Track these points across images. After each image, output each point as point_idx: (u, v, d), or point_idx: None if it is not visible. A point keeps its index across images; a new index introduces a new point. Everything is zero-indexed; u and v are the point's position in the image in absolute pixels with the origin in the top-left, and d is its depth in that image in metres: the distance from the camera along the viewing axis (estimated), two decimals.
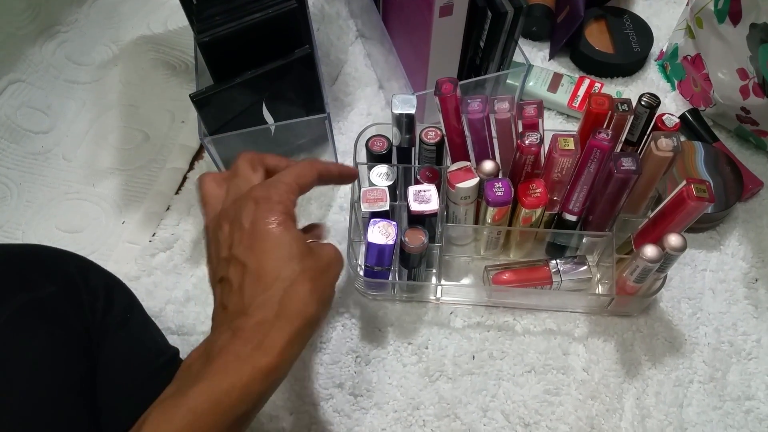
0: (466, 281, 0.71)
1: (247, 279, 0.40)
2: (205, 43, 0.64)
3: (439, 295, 0.69)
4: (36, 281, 0.51)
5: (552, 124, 0.83)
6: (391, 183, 0.65)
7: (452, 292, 0.70)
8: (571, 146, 0.58)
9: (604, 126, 0.61)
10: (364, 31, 0.91)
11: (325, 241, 0.46)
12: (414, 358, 0.66)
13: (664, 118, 0.60)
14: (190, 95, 0.64)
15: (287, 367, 0.39)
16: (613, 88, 0.85)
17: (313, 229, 0.53)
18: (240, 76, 0.66)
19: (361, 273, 0.67)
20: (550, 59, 0.88)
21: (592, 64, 0.86)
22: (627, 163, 0.57)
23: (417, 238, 0.61)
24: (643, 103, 0.60)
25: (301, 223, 0.47)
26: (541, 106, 0.60)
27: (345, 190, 0.78)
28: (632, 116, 0.60)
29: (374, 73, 0.88)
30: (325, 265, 0.43)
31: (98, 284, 0.55)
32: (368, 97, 0.85)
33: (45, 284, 0.51)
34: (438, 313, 0.69)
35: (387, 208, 0.61)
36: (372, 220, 0.60)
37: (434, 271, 0.69)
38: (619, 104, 0.60)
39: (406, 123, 0.64)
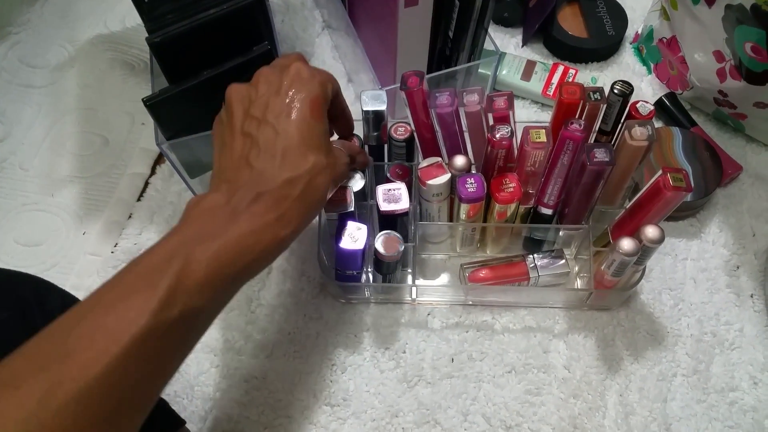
0: (443, 280, 0.69)
1: (278, 148, 0.43)
2: (157, 43, 0.60)
3: (414, 296, 0.67)
4: None
5: (526, 113, 0.80)
6: (359, 182, 0.62)
7: (428, 292, 0.68)
8: (543, 138, 0.56)
9: (577, 116, 0.59)
10: (330, 22, 0.88)
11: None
12: (391, 363, 0.64)
13: (638, 105, 0.58)
14: (143, 99, 0.61)
15: (292, 242, 0.43)
16: (588, 73, 0.83)
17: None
18: (196, 77, 0.62)
19: (333, 278, 0.65)
20: (523, 46, 0.86)
21: (566, 50, 0.84)
22: (600, 155, 0.54)
23: (392, 246, 0.58)
24: (615, 91, 0.57)
25: None
26: (511, 98, 0.58)
27: None
28: (605, 105, 0.58)
29: (342, 66, 0.85)
30: (339, 172, 0.47)
31: (55, 306, 0.52)
32: None
33: None
34: (415, 314, 0.67)
35: (352, 209, 0.59)
36: (339, 223, 0.58)
37: (409, 271, 0.67)
38: (591, 93, 0.57)
39: (374, 120, 0.62)
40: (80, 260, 0.72)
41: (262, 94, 0.44)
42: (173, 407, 0.56)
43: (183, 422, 0.56)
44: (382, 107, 0.60)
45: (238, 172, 0.43)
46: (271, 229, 0.41)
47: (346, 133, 0.56)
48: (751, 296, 0.68)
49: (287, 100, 0.44)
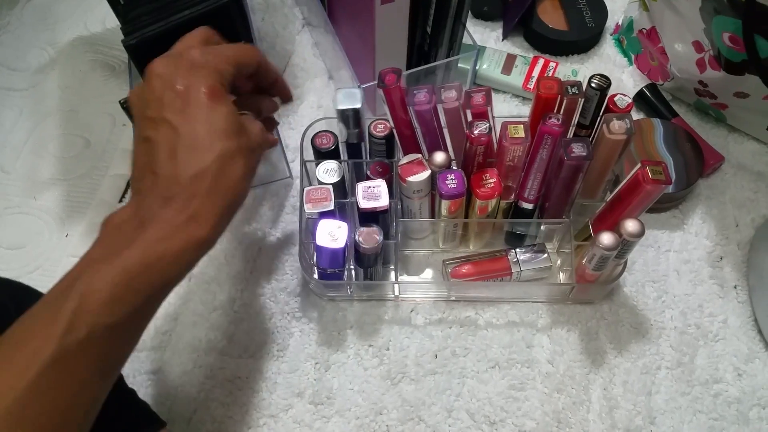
0: (426, 276, 0.69)
1: (180, 145, 0.39)
2: (133, 45, 0.60)
3: (397, 292, 0.67)
4: None
5: (507, 108, 0.80)
6: (337, 180, 0.62)
7: (411, 288, 0.68)
8: (521, 134, 0.55)
9: (555, 110, 0.58)
10: (310, 19, 0.88)
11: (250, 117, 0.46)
12: (375, 360, 0.64)
13: (616, 99, 0.58)
14: (119, 101, 0.61)
15: (216, 239, 0.41)
16: (568, 66, 0.82)
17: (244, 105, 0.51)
18: None
19: (315, 276, 0.65)
20: (503, 40, 0.85)
21: (546, 43, 0.83)
22: (578, 149, 0.54)
23: (372, 238, 0.58)
24: (593, 85, 0.57)
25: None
26: (489, 94, 0.58)
27: (297, 189, 0.75)
28: (583, 99, 0.58)
29: (323, 63, 0.84)
30: (256, 144, 0.44)
31: None
32: (318, 88, 0.82)
33: None
34: (398, 311, 0.67)
35: (332, 207, 0.59)
36: (318, 221, 0.58)
37: (392, 267, 0.67)
38: (569, 87, 0.57)
39: (352, 118, 0.61)
40: (63, 262, 0.72)
41: (156, 90, 0.41)
42: (156, 409, 0.56)
43: (164, 424, 0.55)
44: (357, 105, 0.59)
45: (144, 182, 0.40)
46: (182, 232, 0.38)
47: (285, 99, 0.53)
48: (735, 287, 0.68)
49: (182, 93, 0.40)
